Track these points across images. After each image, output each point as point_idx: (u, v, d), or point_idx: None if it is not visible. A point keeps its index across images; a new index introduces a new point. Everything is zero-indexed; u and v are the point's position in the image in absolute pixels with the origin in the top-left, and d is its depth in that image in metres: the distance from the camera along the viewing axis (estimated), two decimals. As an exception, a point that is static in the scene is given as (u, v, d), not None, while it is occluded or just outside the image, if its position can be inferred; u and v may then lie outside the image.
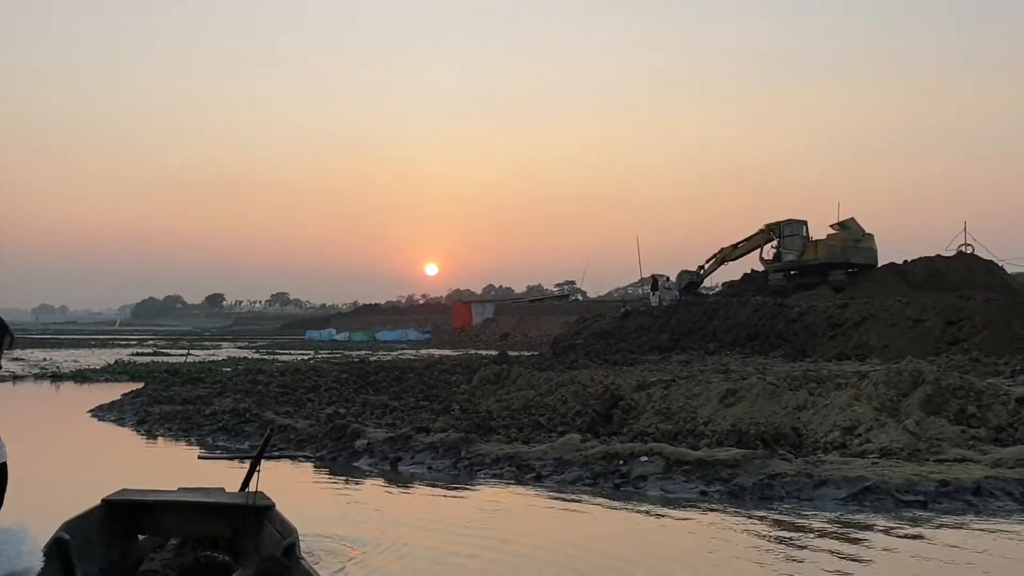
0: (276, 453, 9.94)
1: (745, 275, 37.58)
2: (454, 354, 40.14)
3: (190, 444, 13.91)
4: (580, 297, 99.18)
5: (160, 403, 17.46)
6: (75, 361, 35.83)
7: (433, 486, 10.51)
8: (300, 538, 5.73)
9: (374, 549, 7.33)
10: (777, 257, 35.83)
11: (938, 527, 8.19)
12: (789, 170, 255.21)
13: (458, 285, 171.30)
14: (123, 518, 5.58)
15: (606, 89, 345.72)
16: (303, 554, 5.57)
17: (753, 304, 27.21)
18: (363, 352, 44.54)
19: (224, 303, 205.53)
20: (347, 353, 42.29)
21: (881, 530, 8.12)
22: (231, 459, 7.42)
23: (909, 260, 34.70)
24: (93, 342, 60.80)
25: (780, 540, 7.79)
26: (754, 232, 37.21)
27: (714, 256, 38.25)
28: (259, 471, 5.99)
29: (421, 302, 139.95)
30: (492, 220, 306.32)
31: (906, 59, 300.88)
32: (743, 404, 14.24)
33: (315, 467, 11.84)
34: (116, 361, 34.09)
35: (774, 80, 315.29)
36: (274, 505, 5.64)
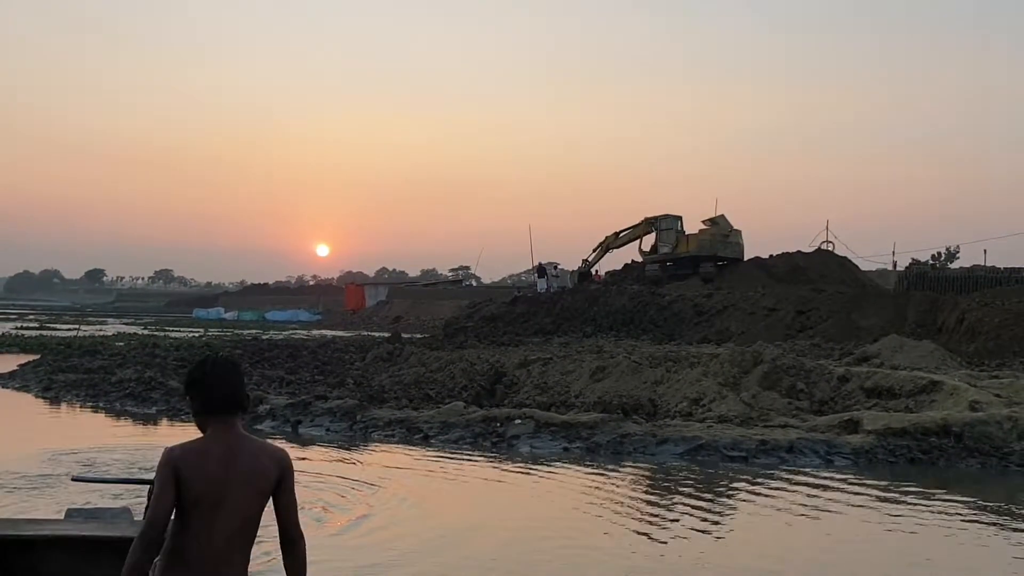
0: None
1: (626, 265, 39.97)
2: (347, 335, 40.96)
3: (96, 409, 14.78)
4: (475, 283, 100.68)
5: (64, 372, 18.09)
6: (-46, 334, 35.11)
7: (330, 445, 11.84)
8: None
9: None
10: (654, 249, 38.33)
11: (757, 477, 10.08)
12: (672, 165, 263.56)
13: (350, 267, 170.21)
14: None
15: (503, 74, 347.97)
16: None
17: (630, 292, 29.37)
18: (254, 331, 44.88)
19: (105, 279, 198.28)
20: (237, 332, 42.56)
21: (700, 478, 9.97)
22: (110, 482, 6.24)
23: (774, 255, 37.80)
24: (-33, 315, 58.63)
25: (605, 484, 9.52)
26: (636, 223, 39.66)
27: (600, 244, 40.53)
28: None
29: (312, 283, 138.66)
30: (386, 203, 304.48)
31: (787, 63, 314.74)
32: (610, 379, 16.00)
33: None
34: (3, 334, 33.66)
35: (665, 76, 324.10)
36: None
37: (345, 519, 7.69)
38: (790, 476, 10.00)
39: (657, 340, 23.29)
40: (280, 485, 2.85)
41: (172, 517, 2.78)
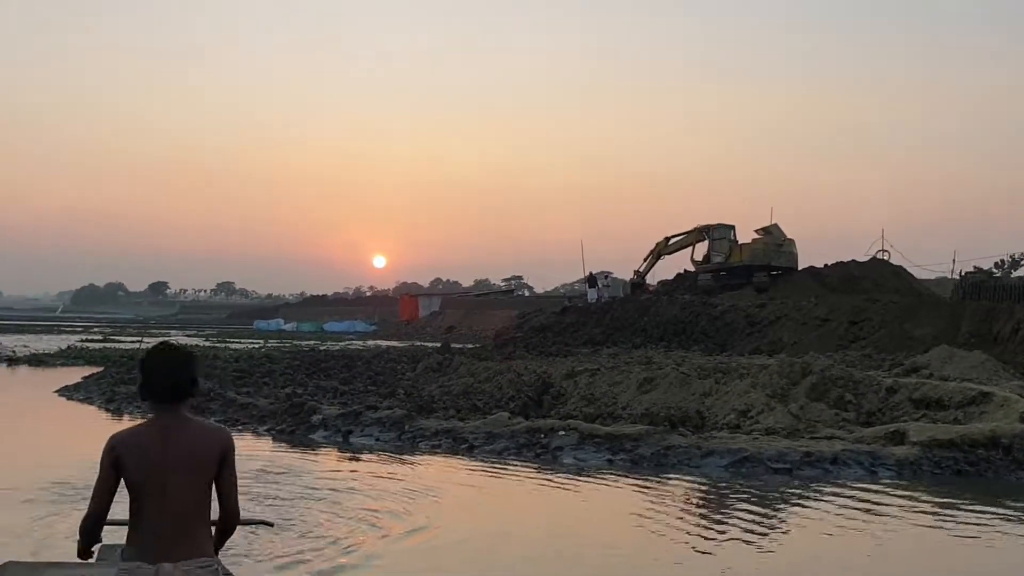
0: None
1: (678, 274, 39.85)
2: (400, 345, 41.54)
3: (158, 420, 15.30)
4: (527, 292, 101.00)
5: (125, 384, 18.72)
6: (25, 346, 36.37)
7: (380, 454, 12.15)
8: None
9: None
10: (707, 259, 38.15)
11: (799, 489, 10.10)
12: (725, 171, 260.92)
13: (406, 278, 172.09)
14: None
15: (554, 83, 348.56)
16: None
17: (681, 302, 29.30)
18: (312, 342, 45.71)
19: (168, 291, 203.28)
20: (296, 343, 43.40)
21: (750, 490, 10.01)
22: None
23: (828, 264, 37.36)
24: (38, 327, 60.73)
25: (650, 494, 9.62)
26: (689, 231, 39.56)
27: (651, 252, 40.48)
28: None
29: (368, 294, 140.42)
30: (441, 214, 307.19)
31: (841, 66, 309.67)
32: (658, 391, 16.04)
33: (273, 439, 13.38)
34: (69, 346, 34.87)
35: (713, 80, 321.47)
36: None
37: (403, 527, 7.91)
38: (835, 488, 9.98)
39: (708, 351, 23.22)
40: (222, 463, 3.07)
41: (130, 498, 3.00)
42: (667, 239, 40.10)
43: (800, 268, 37.40)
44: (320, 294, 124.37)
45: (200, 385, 3.26)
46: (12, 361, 28.10)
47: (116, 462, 3.00)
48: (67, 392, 18.68)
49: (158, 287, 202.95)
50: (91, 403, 17.39)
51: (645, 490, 9.93)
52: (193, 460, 3.01)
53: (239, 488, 3.27)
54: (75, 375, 21.88)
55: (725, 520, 8.47)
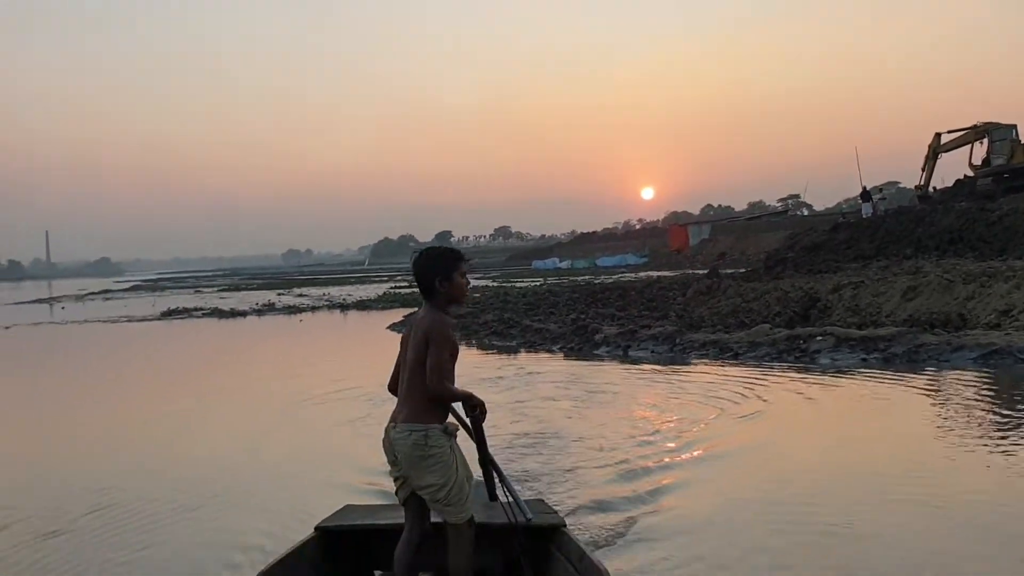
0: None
1: (957, 181, 37.61)
2: (671, 275, 42.90)
3: (469, 345, 18.34)
4: (805, 211, 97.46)
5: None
6: (348, 295, 42.38)
7: (654, 363, 14.18)
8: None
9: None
10: (986, 162, 35.75)
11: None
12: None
13: (675, 207, 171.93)
14: (349, 553, 4.13)
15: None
16: None
17: (957, 210, 28.11)
18: (587, 277, 48.53)
19: (452, 239, 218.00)
20: (572, 279, 46.38)
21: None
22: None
23: None
24: (351, 279, 69.18)
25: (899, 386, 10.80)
26: (964, 129, 37.11)
27: (926, 158, 38.49)
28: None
29: (637, 227, 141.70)
30: (709, 138, 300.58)
31: None
32: (921, 298, 16.61)
33: (564, 356, 15.84)
34: (384, 292, 40.35)
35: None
36: (564, 525, 4.05)
37: (743, 410, 9.64)
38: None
39: (984, 257, 22.60)
40: (427, 344, 3.56)
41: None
42: (937, 135, 37.94)
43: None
44: (590, 231, 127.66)
45: (442, 288, 3.71)
46: (343, 307, 33.40)
47: (402, 341, 3.83)
48: (396, 328, 22.51)
49: (443, 236, 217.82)
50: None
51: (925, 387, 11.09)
52: (416, 342, 3.62)
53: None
54: (396, 315, 26.00)
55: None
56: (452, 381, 3.61)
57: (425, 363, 3.53)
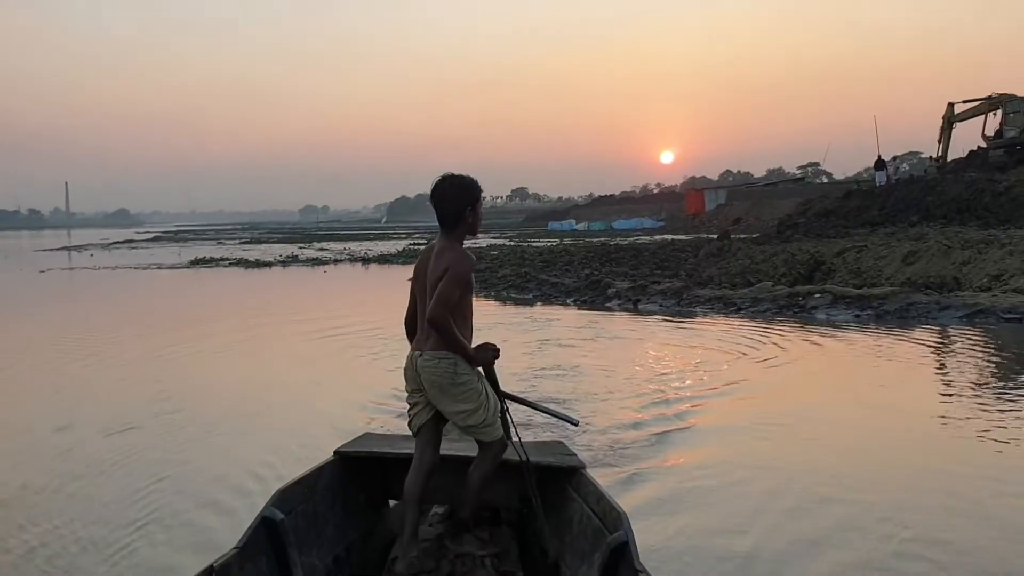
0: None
1: (971, 152, 37.98)
2: (686, 238, 43.55)
3: (488, 297, 19.33)
4: (824, 179, 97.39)
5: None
6: (368, 250, 43.39)
7: (663, 315, 15.14)
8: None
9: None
10: (999, 134, 36.12)
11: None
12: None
13: (694, 172, 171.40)
14: (365, 479, 4.17)
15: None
16: None
17: (966, 180, 28.75)
18: (602, 239, 49.33)
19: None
20: (588, 240, 47.17)
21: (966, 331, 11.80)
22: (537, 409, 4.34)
23: None
24: (370, 236, 70.20)
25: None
26: (979, 100, 37.43)
27: (941, 129, 38.89)
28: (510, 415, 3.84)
29: (655, 191, 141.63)
30: (730, 104, 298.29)
31: None
32: (920, 262, 17.44)
33: (578, 307, 16.81)
34: (404, 248, 41.37)
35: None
36: (584, 467, 3.97)
37: (763, 356, 10.57)
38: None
39: (988, 227, 23.31)
40: (444, 277, 3.46)
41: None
42: (951, 106, 38.33)
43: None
44: (607, 194, 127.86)
45: (469, 218, 3.61)
46: (365, 261, 34.49)
47: (415, 272, 3.73)
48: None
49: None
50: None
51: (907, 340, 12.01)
52: (435, 275, 3.53)
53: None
54: (417, 269, 26.96)
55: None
56: (463, 318, 3.59)
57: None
